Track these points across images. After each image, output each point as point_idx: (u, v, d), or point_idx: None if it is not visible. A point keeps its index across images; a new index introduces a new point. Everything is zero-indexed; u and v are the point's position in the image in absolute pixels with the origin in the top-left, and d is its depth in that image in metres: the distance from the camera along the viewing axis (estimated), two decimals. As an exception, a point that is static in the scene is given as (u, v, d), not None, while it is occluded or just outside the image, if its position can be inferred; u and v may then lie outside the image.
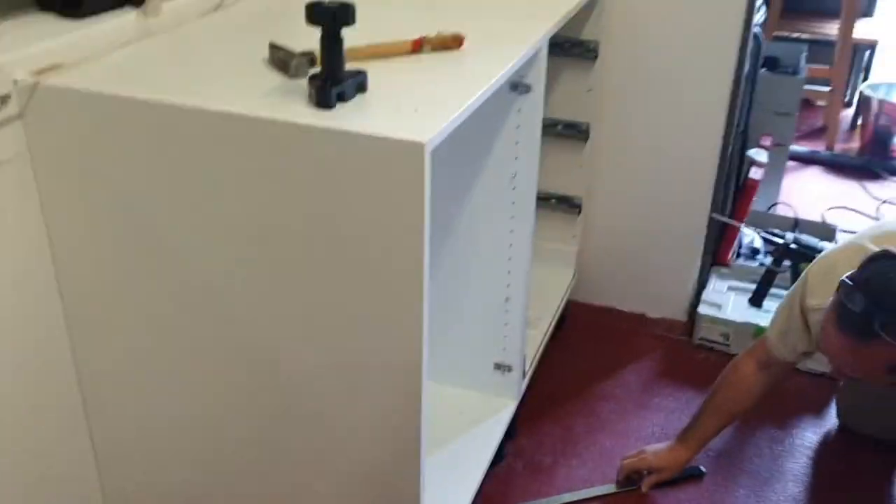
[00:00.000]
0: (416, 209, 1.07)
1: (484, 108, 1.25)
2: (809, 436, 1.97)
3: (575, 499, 1.78)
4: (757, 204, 2.71)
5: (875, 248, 1.43)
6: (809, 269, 1.63)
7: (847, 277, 1.38)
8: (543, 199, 2.22)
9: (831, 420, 2.01)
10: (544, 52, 1.52)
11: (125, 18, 1.32)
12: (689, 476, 1.83)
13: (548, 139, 2.11)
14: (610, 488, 1.81)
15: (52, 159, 1.20)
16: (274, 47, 1.23)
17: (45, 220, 1.25)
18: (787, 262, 2.21)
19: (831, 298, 1.42)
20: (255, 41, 1.33)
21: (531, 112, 1.56)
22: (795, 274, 2.15)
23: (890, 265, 1.35)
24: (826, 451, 1.93)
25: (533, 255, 1.76)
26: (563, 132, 2.16)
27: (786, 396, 2.07)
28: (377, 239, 1.11)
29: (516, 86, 1.52)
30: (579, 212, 2.27)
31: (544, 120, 2.09)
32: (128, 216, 1.22)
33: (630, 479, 1.80)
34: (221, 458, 1.41)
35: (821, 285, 1.53)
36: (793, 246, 2.17)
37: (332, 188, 1.09)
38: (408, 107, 1.12)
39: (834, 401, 2.03)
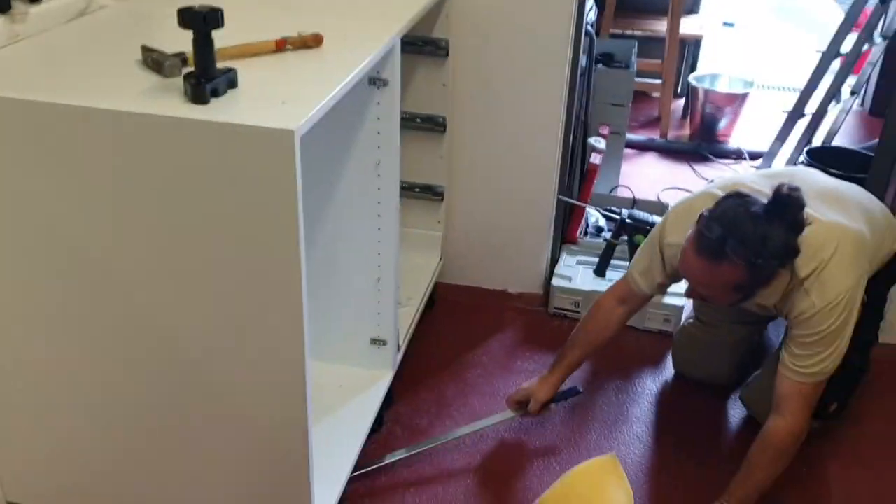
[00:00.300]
0: (290, 192, 1.21)
1: (346, 100, 1.40)
2: (650, 384, 2.24)
3: (470, 430, 1.98)
4: (600, 187, 2.99)
5: (723, 194, 1.69)
6: (667, 215, 1.90)
7: (706, 211, 1.64)
8: (408, 189, 2.40)
9: (668, 370, 2.29)
10: (398, 49, 1.68)
11: (-6, 25, 1.39)
12: (570, 395, 2.06)
13: (409, 132, 2.29)
14: (502, 416, 2.01)
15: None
16: (147, 49, 1.33)
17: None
18: (624, 237, 2.48)
19: (689, 233, 1.67)
20: (125, 44, 1.42)
21: (389, 104, 1.72)
22: (632, 245, 2.43)
23: (740, 202, 1.62)
24: (664, 397, 2.20)
25: (401, 241, 1.93)
26: (423, 125, 2.33)
27: (629, 352, 2.34)
28: (256, 223, 1.24)
29: (374, 80, 1.67)
30: (442, 199, 2.45)
31: (404, 114, 2.28)
32: (13, 211, 1.29)
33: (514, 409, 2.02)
34: (126, 437, 1.50)
35: (678, 226, 1.80)
36: (628, 221, 2.44)
37: (212, 177, 1.22)
38: (276, 99, 1.26)
39: (670, 353, 2.30)
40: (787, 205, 1.58)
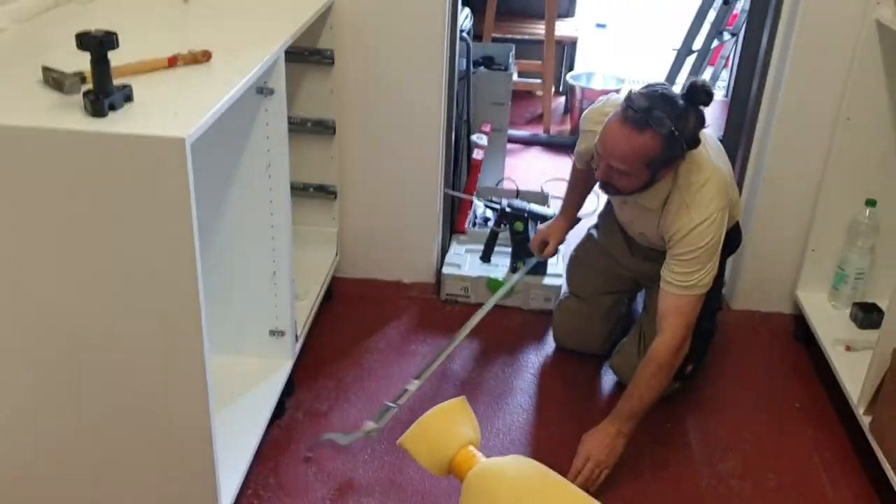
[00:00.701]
0: (183, 195, 1.34)
1: (235, 109, 1.54)
2: (532, 358, 2.46)
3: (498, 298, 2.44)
4: (487, 180, 3.21)
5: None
6: (588, 110, 2.15)
7: (633, 90, 1.86)
8: (303, 189, 2.54)
9: (549, 345, 2.52)
10: (282, 60, 1.83)
11: None
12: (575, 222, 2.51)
13: (301, 136, 2.44)
14: (530, 262, 2.53)
15: None
16: (46, 70, 1.44)
17: None
18: (506, 224, 2.69)
19: (613, 111, 1.86)
20: (25, 65, 1.52)
21: (277, 111, 1.86)
22: (513, 231, 2.64)
23: (663, 85, 1.88)
24: (545, 368, 2.42)
25: (298, 238, 2.07)
26: (314, 129, 2.48)
27: (514, 330, 2.56)
28: (154, 225, 1.37)
29: (261, 89, 1.82)
30: (336, 198, 2.60)
31: (295, 119, 2.43)
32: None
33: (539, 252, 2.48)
34: (34, 433, 1.59)
35: (594, 117, 2.07)
36: (507, 209, 2.65)
37: (113, 185, 1.34)
38: (169, 111, 1.39)
39: (551, 328, 2.53)
40: (699, 93, 1.83)
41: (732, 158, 2.55)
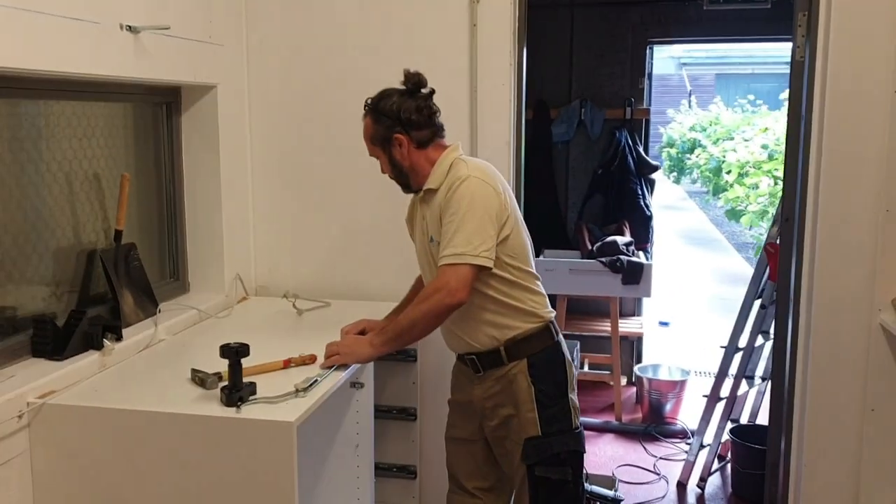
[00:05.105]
0: (290, 466, 1.75)
1: (333, 399, 1.98)
2: None
3: None
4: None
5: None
6: None
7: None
8: (386, 469, 2.90)
9: None
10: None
11: (90, 358, 2.03)
12: None
13: (386, 421, 2.85)
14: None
15: (47, 453, 1.83)
16: (194, 370, 1.95)
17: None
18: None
19: None
20: (178, 367, 2.04)
21: (365, 401, 2.31)
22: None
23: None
24: None
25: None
26: (397, 415, 2.90)
27: None
28: (266, 491, 1.76)
29: (353, 384, 2.28)
30: (416, 477, 2.94)
31: (381, 406, 2.86)
32: (103, 492, 1.82)
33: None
34: None
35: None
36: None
37: (239, 459, 1.76)
38: (282, 401, 1.84)
39: None
40: (411, 78, 2.12)
41: (777, 446, 2.81)
